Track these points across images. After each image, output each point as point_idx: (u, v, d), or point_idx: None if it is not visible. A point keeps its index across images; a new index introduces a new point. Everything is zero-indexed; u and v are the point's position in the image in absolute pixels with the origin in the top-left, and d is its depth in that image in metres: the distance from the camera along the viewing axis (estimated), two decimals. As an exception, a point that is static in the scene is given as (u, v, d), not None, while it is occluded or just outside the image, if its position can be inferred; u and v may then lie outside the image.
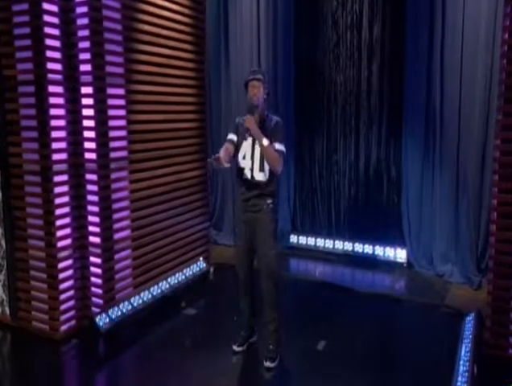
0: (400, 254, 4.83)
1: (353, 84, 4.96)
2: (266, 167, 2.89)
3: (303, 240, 5.36)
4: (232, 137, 2.98)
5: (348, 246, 5.12)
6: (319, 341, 3.22)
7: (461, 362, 2.62)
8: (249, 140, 2.89)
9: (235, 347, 3.07)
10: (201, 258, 4.48)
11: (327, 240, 5.24)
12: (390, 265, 4.79)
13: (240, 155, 2.93)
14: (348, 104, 5.02)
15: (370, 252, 4.99)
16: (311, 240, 5.32)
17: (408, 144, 4.66)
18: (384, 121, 4.88)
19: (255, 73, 2.95)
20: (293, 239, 5.39)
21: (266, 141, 2.78)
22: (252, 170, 2.89)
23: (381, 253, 4.94)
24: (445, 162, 4.39)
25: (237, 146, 2.94)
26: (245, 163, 2.92)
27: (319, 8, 5.03)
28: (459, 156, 4.29)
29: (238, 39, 5.32)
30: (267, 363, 2.94)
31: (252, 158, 2.89)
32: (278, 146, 2.84)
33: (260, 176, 2.89)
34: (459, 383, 2.48)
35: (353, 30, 4.89)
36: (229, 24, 5.40)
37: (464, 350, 2.75)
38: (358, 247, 5.06)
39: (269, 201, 2.92)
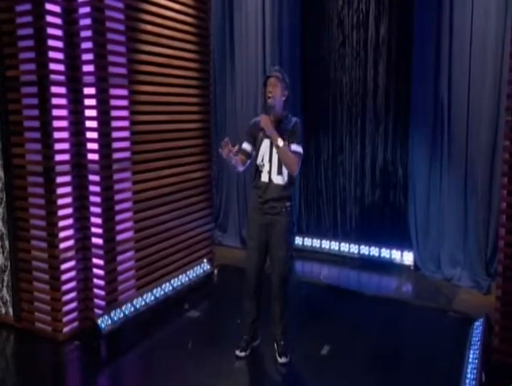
0: (407, 257, 4.76)
1: (359, 84, 4.91)
2: (285, 170, 2.82)
3: (308, 241, 5.30)
4: (245, 146, 2.92)
5: (353, 248, 5.05)
6: (323, 345, 3.16)
7: (469, 369, 2.54)
8: (268, 142, 2.83)
9: (238, 352, 3.00)
10: (205, 260, 4.43)
11: (332, 242, 5.18)
12: (397, 268, 4.72)
13: (258, 157, 2.87)
14: (354, 105, 4.96)
15: (376, 254, 4.93)
16: (316, 242, 5.26)
17: (415, 145, 4.58)
18: (390, 121, 4.81)
19: (274, 71, 2.89)
20: (298, 241, 5.34)
21: (281, 142, 2.72)
22: (270, 172, 2.83)
23: (387, 256, 4.87)
24: (453, 164, 4.31)
25: (250, 154, 2.91)
26: (263, 166, 2.86)
27: (325, 7, 4.98)
28: (467, 157, 4.20)
29: (243, 38, 5.28)
30: (282, 359, 2.92)
31: (270, 161, 2.83)
32: (295, 148, 2.78)
33: (278, 179, 2.83)
34: (466, 391, 2.41)
35: (359, 29, 4.84)
36: (234, 23, 5.36)
37: (472, 357, 2.67)
38: (364, 249, 5.00)
39: (287, 204, 2.87)
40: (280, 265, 2.88)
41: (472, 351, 2.75)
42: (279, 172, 2.82)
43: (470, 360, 2.65)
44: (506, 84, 2.96)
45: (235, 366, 2.97)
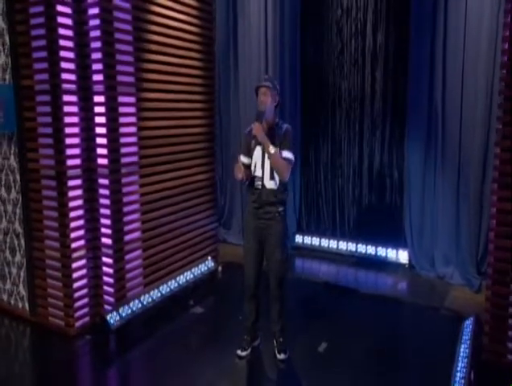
0: (402, 255, 4.71)
1: (357, 90, 4.85)
2: (277, 176, 2.78)
3: (308, 240, 5.28)
4: (243, 160, 2.83)
5: (351, 247, 5.02)
6: (320, 342, 3.13)
7: (459, 368, 2.51)
8: (260, 149, 2.79)
9: (239, 352, 2.97)
10: (209, 257, 4.42)
11: (331, 241, 5.15)
12: (393, 266, 4.67)
13: (252, 164, 2.83)
14: (353, 110, 4.92)
15: (373, 252, 4.89)
16: (315, 240, 5.23)
17: (411, 148, 4.53)
18: (387, 125, 4.76)
19: (265, 80, 2.86)
20: (298, 239, 5.32)
21: (272, 149, 2.68)
22: (263, 178, 2.79)
23: (383, 254, 4.83)
24: (447, 167, 4.26)
25: (250, 165, 2.83)
26: (256, 172, 2.82)
27: (324, 16, 4.93)
28: (460, 161, 4.16)
29: (247, 46, 5.25)
30: (281, 356, 2.92)
31: (262, 167, 2.78)
32: (286, 154, 2.72)
33: (271, 184, 2.79)
34: (456, 390, 2.37)
35: (357, 37, 4.78)
36: (237, 32, 5.34)
37: (462, 355, 2.63)
38: (361, 247, 4.96)
39: (280, 209, 2.82)
40: (277, 267, 2.85)
41: (462, 350, 2.71)
42: (271, 177, 2.77)
43: (460, 359, 2.61)
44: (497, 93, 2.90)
45: (236, 362, 2.96)
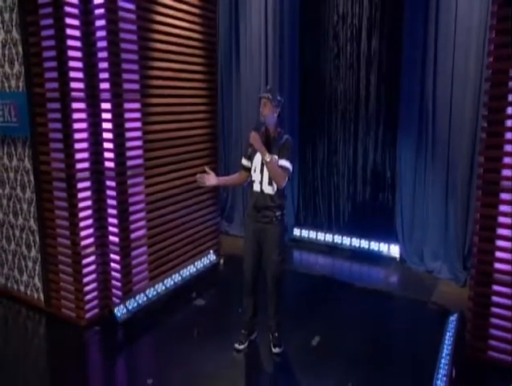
0: (393, 249, 4.68)
1: (352, 93, 4.76)
2: None
3: (305, 233, 5.25)
4: (244, 162, 2.85)
5: (346, 240, 4.99)
6: (314, 336, 3.12)
7: (441, 365, 2.48)
8: (259, 155, 2.73)
9: (237, 346, 2.98)
10: (211, 251, 4.42)
11: (327, 235, 5.12)
12: (384, 260, 4.64)
13: (252, 168, 2.80)
14: (348, 111, 4.83)
15: (366, 246, 4.85)
16: (312, 234, 5.21)
17: (402, 148, 4.46)
18: (381, 126, 4.67)
19: (265, 91, 2.79)
20: (296, 232, 5.30)
21: (268, 157, 2.62)
22: (261, 183, 2.75)
23: (376, 248, 4.79)
24: (436, 167, 4.20)
25: (250, 168, 2.82)
26: (255, 176, 2.78)
27: (321, 22, 4.81)
28: (449, 161, 4.09)
29: (248, 51, 5.17)
30: (276, 350, 2.93)
31: (261, 172, 2.74)
32: (283, 162, 2.66)
33: (269, 189, 2.74)
34: (437, 386, 2.35)
35: (352, 42, 4.67)
36: (239, 38, 5.25)
37: (446, 352, 2.61)
38: (355, 241, 4.92)
39: (278, 213, 2.78)
40: (273, 267, 2.82)
41: (445, 347, 2.69)
42: (270, 183, 2.73)
43: (443, 355, 2.59)
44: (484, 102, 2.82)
45: (235, 354, 2.96)
